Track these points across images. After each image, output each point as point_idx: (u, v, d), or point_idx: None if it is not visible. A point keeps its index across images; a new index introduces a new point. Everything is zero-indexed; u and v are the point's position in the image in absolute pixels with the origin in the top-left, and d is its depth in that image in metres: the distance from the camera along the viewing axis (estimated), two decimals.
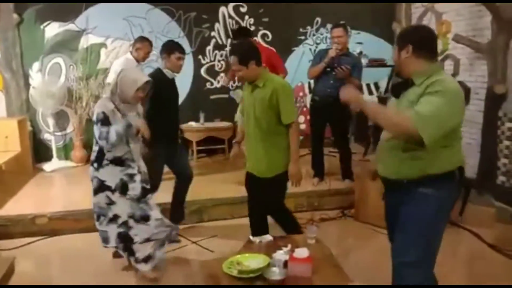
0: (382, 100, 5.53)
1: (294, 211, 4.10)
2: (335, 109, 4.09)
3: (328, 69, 4.24)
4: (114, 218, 2.86)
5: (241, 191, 4.18)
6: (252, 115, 2.88)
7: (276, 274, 2.19)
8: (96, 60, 5.55)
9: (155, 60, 5.09)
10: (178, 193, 3.69)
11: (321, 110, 4.40)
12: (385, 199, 2.40)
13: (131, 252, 2.90)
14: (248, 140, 3.01)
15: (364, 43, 6.16)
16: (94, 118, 2.78)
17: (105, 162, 2.82)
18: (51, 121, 5.37)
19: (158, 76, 3.36)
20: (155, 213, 2.93)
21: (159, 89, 3.32)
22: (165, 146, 3.41)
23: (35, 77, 5.36)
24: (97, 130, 2.75)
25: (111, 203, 2.85)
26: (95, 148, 2.87)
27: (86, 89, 5.48)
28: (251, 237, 2.72)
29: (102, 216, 2.87)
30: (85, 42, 5.49)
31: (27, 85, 5.36)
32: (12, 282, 2.91)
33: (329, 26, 6.18)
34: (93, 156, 2.88)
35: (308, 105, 5.73)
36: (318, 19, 6.18)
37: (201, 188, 4.36)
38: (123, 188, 2.85)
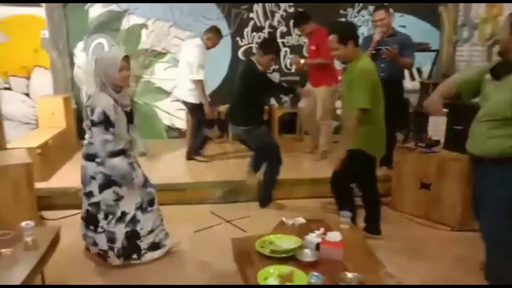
0: (425, 86, 5.34)
1: (327, 196, 4.11)
2: (388, 93, 4.00)
3: (375, 52, 4.10)
4: (122, 217, 2.78)
5: (284, 174, 4.24)
6: (347, 97, 2.97)
7: (308, 255, 2.20)
8: (137, 41, 5.67)
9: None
10: (267, 177, 3.89)
11: None
12: (472, 175, 2.51)
13: (135, 250, 2.85)
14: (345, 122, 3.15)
15: (408, 26, 5.90)
16: (95, 117, 2.57)
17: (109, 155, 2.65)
18: None
19: (250, 67, 3.70)
20: (156, 194, 2.95)
21: (251, 79, 3.69)
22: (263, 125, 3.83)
23: (80, 57, 5.55)
24: (98, 133, 2.58)
25: (119, 198, 2.74)
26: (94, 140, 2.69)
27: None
28: (283, 218, 2.73)
29: (110, 214, 2.76)
30: (126, 22, 5.61)
31: (72, 64, 5.56)
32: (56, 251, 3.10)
33: (371, 7, 6.01)
34: (91, 149, 2.72)
35: None
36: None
37: (238, 168, 4.39)
38: (130, 178, 2.73)
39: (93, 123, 2.60)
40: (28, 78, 5.49)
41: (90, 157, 2.73)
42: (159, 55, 5.72)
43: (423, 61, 6.00)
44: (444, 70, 5.77)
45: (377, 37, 4.04)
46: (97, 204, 2.76)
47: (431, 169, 3.59)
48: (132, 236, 2.82)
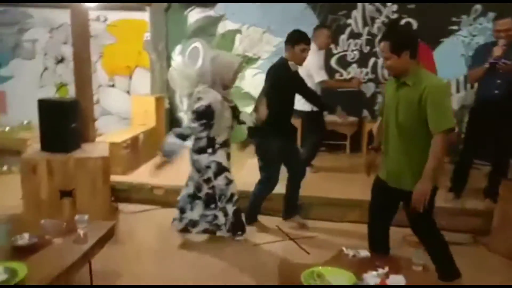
0: None
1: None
2: (504, 114, 3.50)
3: (490, 66, 3.48)
4: (231, 197, 3.11)
5: (356, 194, 3.86)
6: (393, 118, 2.44)
7: None
8: (230, 46, 5.70)
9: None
10: (290, 188, 3.57)
11: (486, 116, 3.63)
12: None
13: (241, 227, 3.17)
14: (386, 146, 2.57)
15: None
16: (195, 107, 2.87)
17: (217, 146, 3.03)
18: (185, 101, 5.73)
19: (280, 67, 3.32)
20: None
21: (280, 80, 3.31)
22: (281, 139, 3.32)
23: (176, 60, 5.77)
24: (194, 122, 2.89)
25: (229, 182, 3.08)
26: (202, 135, 2.99)
27: None
28: (344, 248, 2.40)
29: (223, 196, 3.10)
30: (222, 28, 5.69)
31: (169, 66, 5.81)
32: (116, 244, 3.19)
33: (491, 14, 5.23)
34: (201, 143, 3.03)
35: (454, 107, 4.99)
36: (478, 6, 5.24)
37: (313, 184, 4.14)
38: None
39: (196, 116, 2.92)
40: (130, 77, 5.89)
41: (201, 151, 3.06)
42: (250, 60, 5.68)
43: None
44: None
45: (498, 52, 3.41)
46: (214, 188, 3.12)
47: None
48: (237, 213, 3.16)
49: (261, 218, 3.78)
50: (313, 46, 4.21)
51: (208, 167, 3.05)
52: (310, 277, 1.99)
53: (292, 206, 3.63)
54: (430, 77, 2.40)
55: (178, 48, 5.74)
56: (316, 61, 4.24)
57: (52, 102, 3.47)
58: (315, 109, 4.16)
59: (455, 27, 5.32)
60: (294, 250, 3.22)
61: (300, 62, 3.37)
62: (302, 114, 4.43)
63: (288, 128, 3.46)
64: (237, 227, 3.16)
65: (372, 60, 5.51)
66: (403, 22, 5.37)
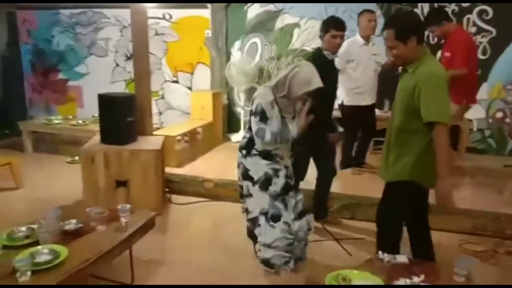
0: None
1: (471, 233, 3.33)
2: None
3: None
4: (246, 212, 2.84)
5: None
6: (395, 106, 2.36)
7: None
8: (289, 40, 5.66)
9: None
10: (320, 189, 3.46)
11: None
12: None
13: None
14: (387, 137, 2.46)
15: None
16: (253, 108, 2.65)
17: (253, 152, 2.73)
18: (242, 97, 5.82)
19: (316, 57, 3.15)
20: (287, 216, 2.74)
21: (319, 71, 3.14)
22: (315, 135, 3.11)
23: (235, 55, 5.87)
24: (255, 124, 2.63)
25: (248, 195, 2.78)
26: (247, 135, 2.79)
27: (277, 68, 5.68)
28: (380, 252, 2.27)
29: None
30: (280, 22, 5.66)
31: (228, 62, 5.92)
32: (163, 233, 3.33)
33: None
34: (243, 142, 2.81)
35: None
36: None
37: (364, 183, 3.99)
38: (265, 182, 2.71)
39: (251, 113, 2.70)
40: (192, 73, 6.10)
41: (240, 148, 2.83)
42: (308, 54, 5.59)
43: None
44: None
45: None
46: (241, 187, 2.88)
47: None
48: (251, 234, 2.89)
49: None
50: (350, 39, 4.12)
51: (238, 166, 2.87)
52: (334, 280, 1.92)
53: (324, 208, 3.51)
54: (430, 64, 2.22)
55: (237, 44, 5.88)
56: (346, 53, 4.05)
57: (109, 97, 3.71)
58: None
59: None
60: (337, 251, 3.12)
61: (335, 49, 3.19)
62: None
63: (326, 122, 3.25)
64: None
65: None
66: (477, 9, 4.93)
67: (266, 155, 2.72)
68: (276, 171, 2.73)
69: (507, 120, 5.07)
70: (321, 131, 3.17)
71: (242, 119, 5.83)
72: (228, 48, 5.93)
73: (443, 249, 3.14)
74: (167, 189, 4.11)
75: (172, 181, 4.18)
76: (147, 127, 4.13)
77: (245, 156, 2.76)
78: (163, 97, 6.34)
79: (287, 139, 2.71)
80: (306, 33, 5.56)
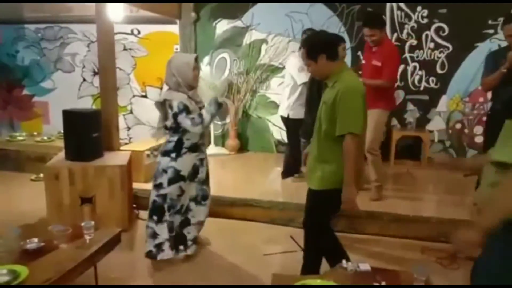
0: None
1: (436, 240, 3.44)
2: None
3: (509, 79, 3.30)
4: (180, 209, 3.03)
5: (375, 206, 3.77)
6: (319, 117, 2.49)
7: None
8: (257, 56, 5.76)
9: None
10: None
11: (504, 121, 3.45)
12: None
13: (183, 240, 3.06)
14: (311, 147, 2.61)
15: None
16: (176, 109, 2.80)
17: (183, 150, 2.91)
18: None
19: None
20: (210, 194, 3.22)
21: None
22: None
23: (204, 70, 5.92)
24: (185, 119, 2.80)
25: (181, 193, 2.98)
26: (172, 138, 2.91)
27: (245, 83, 5.76)
28: (344, 261, 2.32)
29: (172, 208, 2.97)
30: (248, 38, 5.77)
31: None
32: (128, 250, 3.28)
33: None
34: (168, 146, 2.92)
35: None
36: None
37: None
38: (194, 173, 3.02)
39: (176, 114, 2.83)
40: (161, 88, 6.09)
41: (166, 153, 2.94)
42: (276, 69, 5.71)
43: None
44: None
45: None
46: (164, 196, 2.95)
47: None
48: (184, 224, 3.08)
49: (274, 227, 3.77)
50: (297, 52, 4.42)
51: (164, 171, 2.90)
52: None
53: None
54: (346, 78, 2.38)
55: (206, 58, 5.94)
56: (298, 64, 4.26)
57: (74, 113, 3.65)
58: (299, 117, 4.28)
59: (491, 31, 5.04)
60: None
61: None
62: (290, 121, 4.48)
63: None
64: (179, 241, 3.03)
65: (401, 67, 5.33)
66: (435, 26, 5.18)
67: (194, 148, 2.97)
68: (201, 160, 3.07)
69: (466, 131, 5.31)
70: None
71: (213, 133, 5.86)
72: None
73: (408, 256, 3.26)
74: (134, 205, 4.05)
75: (140, 197, 4.12)
76: (114, 142, 4.09)
77: (175, 158, 2.90)
78: (131, 112, 6.30)
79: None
80: (273, 48, 5.69)
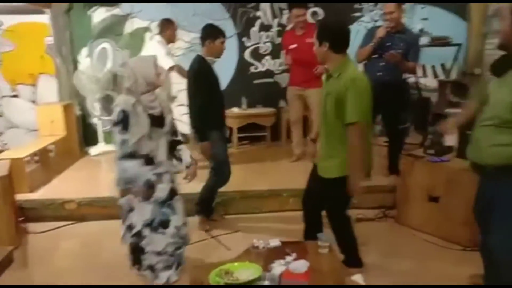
0: (443, 85, 4.84)
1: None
2: (387, 94, 3.66)
3: (379, 52, 3.73)
4: (129, 228, 2.63)
5: (275, 184, 3.95)
6: (322, 107, 2.55)
7: None
8: (140, 45, 5.52)
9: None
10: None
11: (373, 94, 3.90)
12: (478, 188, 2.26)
13: (137, 261, 2.70)
14: (319, 135, 2.70)
15: (430, 19, 5.44)
16: (114, 117, 2.47)
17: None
18: (97, 106, 5.48)
19: (202, 64, 3.27)
20: (176, 219, 2.68)
21: (206, 77, 3.27)
22: (221, 133, 3.37)
23: (84, 63, 5.49)
24: (117, 133, 2.47)
25: (130, 210, 2.61)
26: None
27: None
28: (255, 240, 2.43)
29: (123, 221, 2.66)
30: (130, 26, 5.49)
31: (76, 70, 5.51)
32: (21, 268, 2.98)
33: None
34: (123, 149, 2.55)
35: None
36: None
37: (234, 179, 4.14)
38: (148, 191, 2.57)
39: (113, 123, 2.50)
40: (34, 85, 5.50)
41: (124, 157, 2.55)
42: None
43: (447, 57, 5.48)
44: (472, 66, 5.22)
45: (381, 33, 3.65)
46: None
47: (440, 180, 3.16)
48: (135, 250, 2.67)
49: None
50: (157, 37, 4.42)
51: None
52: (218, 276, 1.99)
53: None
54: (351, 70, 2.48)
55: (85, 50, 5.50)
56: (163, 50, 4.28)
57: None
58: None
59: (358, 14, 5.58)
60: (217, 248, 3.21)
61: (220, 55, 3.39)
62: None
63: (222, 123, 3.48)
64: (134, 261, 2.74)
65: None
66: (310, 11, 5.53)
67: (146, 160, 2.55)
68: (159, 175, 2.61)
69: None
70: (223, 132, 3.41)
71: (101, 130, 5.50)
72: (75, 55, 5.50)
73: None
74: (21, 218, 3.65)
75: (26, 208, 3.73)
76: None
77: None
78: (1, 115, 5.58)
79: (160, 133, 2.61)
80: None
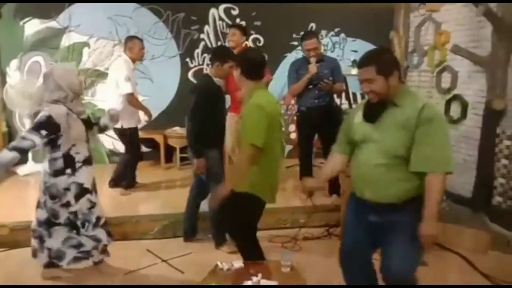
0: None
1: (276, 227, 3.90)
2: (324, 118, 4.10)
3: (311, 86, 4.10)
4: (97, 220, 2.90)
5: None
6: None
7: None
8: (78, 60, 5.31)
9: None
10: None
11: (309, 120, 4.25)
12: (365, 221, 2.25)
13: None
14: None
15: (359, 51, 5.94)
16: (37, 118, 2.64)
17: (78, 165, 2.77)
18: (27, 122, 5.11)
19: (209, 84, 3.31)
20: None
21: (212, 96, 3.30)
22: (218, 150, 3.46)
23: (13, 76, 5.11)
24: (28, 131, 2.63)
25: (92, 206, 2.87)
26: (57, 154, 2.73)
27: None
28: (219, 262, 2.46)
29: (87, 222, 2.86)
30: (67, 40, 5.26)
31: (4, 84, 5.11)
32: None
33: (323, 32, 5.99)
34: (58, 164, 2.73)
35: None
36: (313, 24, 5.96)
37: (180, 200, 4.11)
38: (94, 186, 2.92)
39: (34, 123, 2.68)
40: None
41: (58, 173, 2.75)
42: (102, 75, 5.36)
43: None
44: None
45: (314, 70, 4.02)
46: (75, 213, 2.82)
47: None
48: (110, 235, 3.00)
49: (129, 243, 3.62)
50: (123, 55, 4.30)
51: (67, 189, 2.75)
52: None
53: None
54: (261, 97, 2.58)
55: (15, 63, 5.13)
56: (125, 73, 4.13)
57: None
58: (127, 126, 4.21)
59: (296, 43, 5.93)
60: (169, 272, 3.15)
61: (225, 77, 3.47)
62: (117, 131, 4.33)
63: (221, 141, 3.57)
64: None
65: None
66: (251, 38, 5.75)
67: (88, 161, 2.85)
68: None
69: (283, 129, 6.10)
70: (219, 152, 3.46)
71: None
72: (3, 68, 5.11)
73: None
74: None
75: None
76: None
77: (73, 174, 2.77)
78: None
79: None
80: (98, 53, 5.34)
